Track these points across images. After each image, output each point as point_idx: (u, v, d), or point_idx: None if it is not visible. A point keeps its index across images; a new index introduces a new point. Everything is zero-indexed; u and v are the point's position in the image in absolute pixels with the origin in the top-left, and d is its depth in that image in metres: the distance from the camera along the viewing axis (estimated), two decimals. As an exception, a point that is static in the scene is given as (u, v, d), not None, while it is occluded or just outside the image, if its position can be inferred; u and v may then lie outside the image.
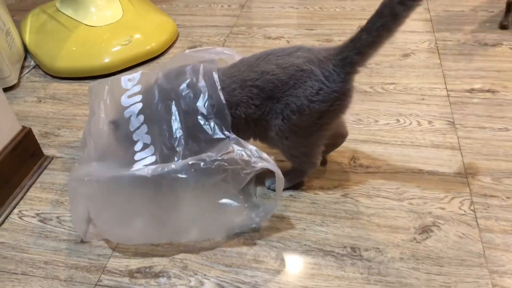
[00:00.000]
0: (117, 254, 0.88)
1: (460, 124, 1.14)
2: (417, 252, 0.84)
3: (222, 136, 0.85)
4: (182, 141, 0.86)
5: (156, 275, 0.84)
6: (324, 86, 0.83)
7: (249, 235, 0.90)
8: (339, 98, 0.85)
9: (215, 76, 0.87)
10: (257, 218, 0.88)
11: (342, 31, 1.60)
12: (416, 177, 1.00)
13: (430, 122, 1.15)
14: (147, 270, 0.85)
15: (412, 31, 1.57)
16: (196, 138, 0.86)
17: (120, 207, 0.87)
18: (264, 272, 0.83)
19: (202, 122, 0.85)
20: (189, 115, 0.86)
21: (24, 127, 1.06)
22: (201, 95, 0.86)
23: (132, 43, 1.49)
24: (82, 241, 0.91)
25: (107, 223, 0.87)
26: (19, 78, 1.47)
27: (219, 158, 0.80)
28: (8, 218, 0.98)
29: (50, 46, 1.50)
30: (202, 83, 0.87)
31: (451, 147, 1.07)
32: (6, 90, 1.41)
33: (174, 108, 0.88)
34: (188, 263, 0.85)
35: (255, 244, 0.88)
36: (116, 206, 0.86)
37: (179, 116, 0.87)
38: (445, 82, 1.30)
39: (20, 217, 0.98)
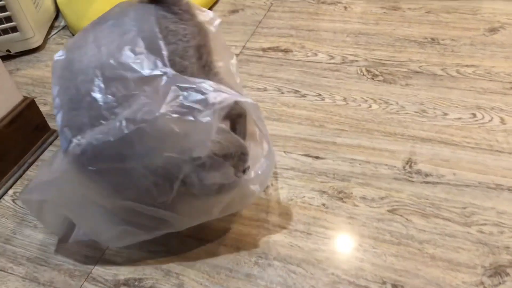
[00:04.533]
0: (106, 258, 0.74)
1: (560, 126, 0.87)
2: (483, 303, 0.62)
3: (158, 72, 0.62)
4: (102, 85, 0.62)
5: (145, 292, 0.69)
6: None
7: (263, 252, 0.72)
8: None
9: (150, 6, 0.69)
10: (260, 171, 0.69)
11: (414, -3, 1.32)
12: (492, 195, 0.76)
13: (518, 120, 0.89)
14: (136, 283, 0.70)
15: (504, -1, 1.26)
16: (122, 80, 0.63)
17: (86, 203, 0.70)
18: (275, 304, 0.65)
19: (130, 59, 0.63)
20: (112, 52, 0.65)
21: (26, 97, 0.94)
22: (130, 27, 0.66)
23: (165, 4, 1.31)
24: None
25: (88, 223, 0.72)
26: (46, 39, 1.36)
27: (163, 111, 0.59)
28: (1, 199, 0.87)
29: (79, 4, 1.37)
30: (132, 14, 0.67)
31: (545, 157, 0.81)
32: (30, 52, 1.30)
33: (91, 47, 0.66)
34: (185, 281, 0.70)
35: (269, 265, 0.70)
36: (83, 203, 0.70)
37: (99, 57, 0.65)
38: (543, 67, 1.01)
39: (13, 200, 0.87)
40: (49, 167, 0.66)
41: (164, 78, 0.62)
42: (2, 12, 1.19)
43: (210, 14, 0.77)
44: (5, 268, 0.75)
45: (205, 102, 0.60)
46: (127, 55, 0.63)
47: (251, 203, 0.73)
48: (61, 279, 0.72)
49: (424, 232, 0.72)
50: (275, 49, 1.17)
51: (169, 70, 0.63)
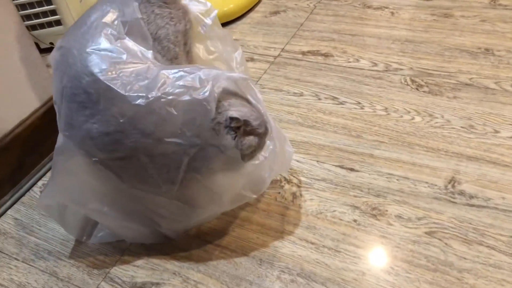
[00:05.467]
0: (125, 258, 0.73)
1: None
2: None
3: (139, 60, 0.60)
4: (79, 71, 0.59)
5: (161, 298, 0.67)
6: None
7: (287, 267, 0.68)
8: None
9: None
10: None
11: (468, 4, 1.23)
12: (545, 225, 0.68)
13: None
14: (153, 287, 0.68)
15: None
16: (99, 65, 0.58)
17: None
18: (296, 324, 0.61)
19: (108, 43, 0.60)
20: (90, 36, 0.61)
21: (61, 90, 0.94)
22: (109, 10, 0.62)
23: (207, 3, 1.30)
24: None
25: (106, 219, 0.70)
26: (88, 33, 1.37)
27: (157, 95, 0.56)
28: (30, 191, 0.88)
29: None
30: None
31: None
32: (72, 45, 1.32)
33: (75, 32, 0.64)
34: (203, 290, 0.67)
35: (292, 281, 0.66)
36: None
37: (79, 41, 0.62)
38: None
39: (41, 191, 0.87)
40: (60, 168, 0.65)
41: (150, 65, 0.59)
42: (47, 5, 1.21)
43: (207, 4, 0.75)
44: (27, 259, 0.75)
45: (199, 80, 0.57)
46: (105, 39, 0.60)
47: (262, 191, 0.69)
48: (79, 276, 0.71)
49: (465, 260, 0.65)
50: (315, 53, 1.13)
51: (151, 59, 0.61)
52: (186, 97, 0.57)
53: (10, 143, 0.84)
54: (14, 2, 1.17)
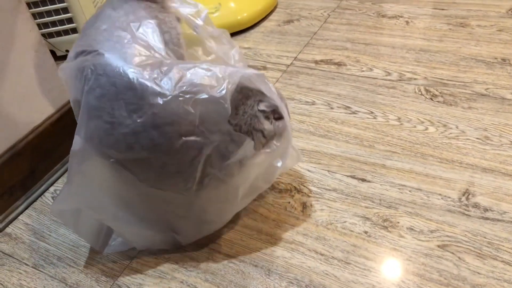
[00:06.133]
0: (133, 266, 0.72)
1: None
2: None
3: (156, 55, 0.61)
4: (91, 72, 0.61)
5: (168, 307, 0.66)
6: None
7: (295, 278, 0.67)
8: None
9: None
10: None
11: (485, 14, 1.22)
12: None
13: None
14: (161, 296, 0.68)
15: None
16: (113, 65, 0.60)
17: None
18: (303, 337, 0.60)
19: (131, 43, 0.61)
20: (113, 38, 0.63)
21: (75, 97, 0.95)
22: (120, 13, 0.64)
23: (220, 12, 1.31)
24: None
25: (121, 225, 0.70)
26: (104, 41, 1.39)
27: (174, 93, 0.56)
28: (42, 196, 0.88)
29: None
30: (117, 4, 0.66)
31: None
32: (87, 53, 1.34)
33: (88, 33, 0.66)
34: (210, 299, 0.66)
35: (300, 293, 0.65)
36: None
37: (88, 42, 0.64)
38: None
39: (53, 198, 0.88)
40: (76, 171, 0.65)
41: (167, 60, 0.60)
42: (64, 14, 1.23)
43: (198, 5, 0.76)
44: (37, 265, 0.75)
45: (215, 77, 0.58)
46: (128, 38, 0.61)
47: (274, 180, 0.70)
48: (88, 283, 0.71)
49: (479, 275, 0.64)
50: (328, 62, 1.12)
51: (164, 54, 0.61)
52: (204, 95, 0.57)
53: (23, 149, 0.85)
54: (31, 10, 1.19)
